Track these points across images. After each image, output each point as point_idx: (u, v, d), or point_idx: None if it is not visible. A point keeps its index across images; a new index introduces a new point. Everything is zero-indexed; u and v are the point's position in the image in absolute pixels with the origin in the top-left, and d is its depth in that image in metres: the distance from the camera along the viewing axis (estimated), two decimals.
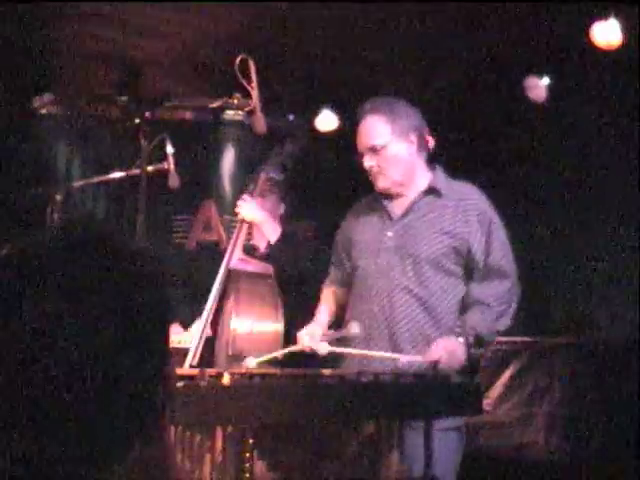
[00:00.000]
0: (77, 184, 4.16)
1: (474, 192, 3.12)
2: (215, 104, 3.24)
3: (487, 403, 4.36)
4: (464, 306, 2.99)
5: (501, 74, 5.45)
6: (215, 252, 3.58)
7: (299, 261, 3.70)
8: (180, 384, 2.28)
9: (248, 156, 5.95)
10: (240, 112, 3.21)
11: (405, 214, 3.08)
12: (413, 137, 3.09)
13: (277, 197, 4.00)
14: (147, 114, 2.98)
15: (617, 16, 4.67)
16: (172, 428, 2.32)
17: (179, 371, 2.59)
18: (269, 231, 3.68)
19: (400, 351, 2.90)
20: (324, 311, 3.23)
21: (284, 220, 3.94)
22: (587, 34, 4.74)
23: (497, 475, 4.34)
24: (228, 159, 6.37)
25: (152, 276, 1.08)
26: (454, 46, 5.18)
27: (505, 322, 3.00)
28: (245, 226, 3.65)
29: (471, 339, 2.87)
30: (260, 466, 2.39)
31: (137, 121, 3.01)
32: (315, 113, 5.97)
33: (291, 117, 5.96)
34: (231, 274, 3.49)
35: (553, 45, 5.08)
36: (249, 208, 3.63)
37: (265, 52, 4.50)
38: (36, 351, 0.98)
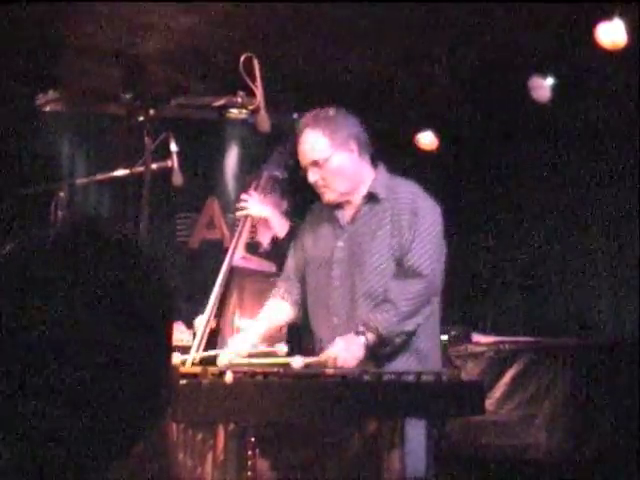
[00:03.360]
0: (81, 181, 4.16)
1: (408, 191, 3.07)
2: (219, 102, 3.24)
3: (489, 403, 4.36)
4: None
5: (505, 74, 5.44)
6: (218, 250, 3.57)
7: None
8: (183, 382, 2.28)
9: (252, 155, 5.96)
10: (244, 110, 3.19)
11: (352, 222, 3.10)
12: (353, 145, 3.08)
13: (279, 195, 4.00)
14: (151, 112, 2.98)
15: (622, 16, 4.66)
16: (174, 426, 2.33)
17: (182, 369, 2.59)
18: (277, 226, 3.66)
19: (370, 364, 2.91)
20: (261, 324, 3.17)
21: (287, 218, 3.93)
22: (592, 34, 4.74)
23: (499, 475, 4.34)
24: (232, 157, 6.37)
25: (155, 274, 1.08)
26: (457, 46, 5.18)
27: (416, 321, 2.92)
28: (248, 224, 3.64)
29: (371, 338, 2.83)
30: (262, 464, 2.39)
31: (141, 119, 3.01)
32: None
33: (295, 115, 5.94)
34: (234, 272, 3.49)
35: (558, 45, 5.07)
36: (256, 204, 3.62)
37: (269, 51, 4.51)
38: (38, 348, 0.98)
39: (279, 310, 3.22)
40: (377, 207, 3.05)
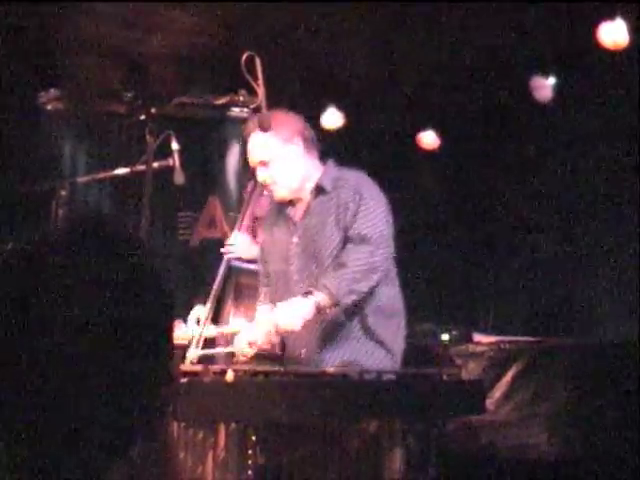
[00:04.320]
0: (82, 180, 4.16)
1: (354, 177, 3.15)
2: (221, 101, 3.25)
3: (490, 403, 4.35)
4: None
5: (507, 74, 5.44)
6: (219, 249, 3.57)
7: None
8: (184, 380, 2.28)
9: None
10: (246, 109, 3.21)
11: (303, 217, 3.18)
12: (298, 141, 3.16)
13: None
14: (153, 110, 2.98)
15: (624, 17, 4.66)
16: (175, 424, 2.33)
17: (183, 368, 2.59)
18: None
19: (327, 348, 2.98)
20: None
21: None
22: (594, 34, 4.74)
23: (499, 475, 4.34)
24: (233, 156, 6.37)
25: (156, 272, 1.08)
26: (459, 46, 5.18)
27: (367, 284, 2.97)
28: (244, 225, 3.66)
29: (320, 297, 2.87)
30: (262, 463, 2.39)
31: (143, 117, 3.01)
32: (320, 110, 5.97)
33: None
34: (231, 271, 3.50)
35: (559, 45, 5.07)
36: (244, 244, 3.60)
37: (271, 49, 4.50)
38: (38, 346, 0.98)
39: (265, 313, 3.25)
40: (325, 199, 3.14)
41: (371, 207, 3.05)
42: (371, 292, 3.03)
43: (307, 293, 2.89)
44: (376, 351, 3.06)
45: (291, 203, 3.23)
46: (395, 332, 3.16)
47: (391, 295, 3.15)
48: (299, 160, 3.16)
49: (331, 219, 3.09)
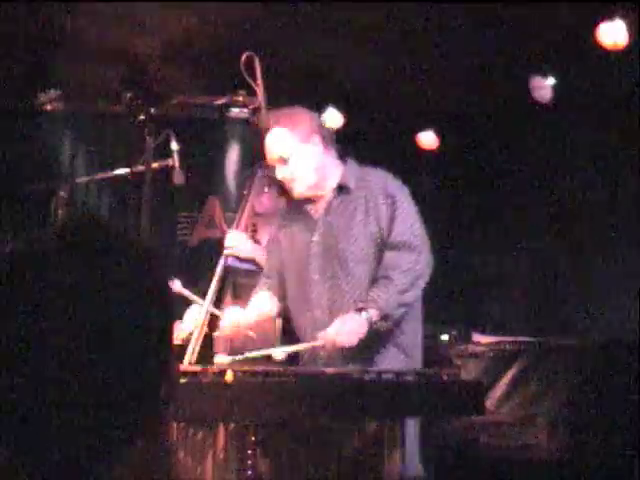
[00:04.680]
0: (81, 180, 4.16)
1: (380, 177, 3.15)
2: (220, 101, 3.26)
3: (490, 403, 4.35)
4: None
5: (506, 74, 5.44)
6: (218, 249, 3.57)
7: None
8: (183, 381, 2.28)
9: (253, 154, 5.95)
10: (245, 109, 3.21)
11: (325, 215, 3.17)
12: (316, 139, 3.17)
13: (276, 192, 4.00)
14: (152, 111, 2.98)
15: (623, 16, 4.66)
16: (175, 424, 2.33)
17: (182, 368, 2.59)
18: (262, 262, 3.60)
19: (348, 350, 2.94)
20: (250, 312, 3.22)
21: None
22: (593, 34, 4.74)
23: (499, 475, 4.34)
24: (233, 156, 6.37)
25: (155, 272, 1.08)
26: (458, 46, 5.17)
27: (414, 294, 2.99)
28: (242, 224, 3.67)
29: (372, 313, 2.87)
30: (262, 463, 2.39)
31: (142, 118, 3.01)
32: (320, 110, 5.97)
33: None
34: (229, 271, 3.50)
35: (559, 45, 5.07)
36: (243, 244, 3.61)
37: (270, 49, 4.50)
38: (36, 347, 0.98)
39: (266, 301, 3.27)
40: (349, 198, 3.13)
41: (406, 210, 3.05)
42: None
43: (360, 309, 2.88)
44: (398, 356, 3.04)
45: (310, 200, 3.22)
46: (414, 337, 3.14)
47: (419, 300, 3.13)
48: (318, 157, 3.16)
49: (358, 219, 3.07)
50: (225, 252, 3.53)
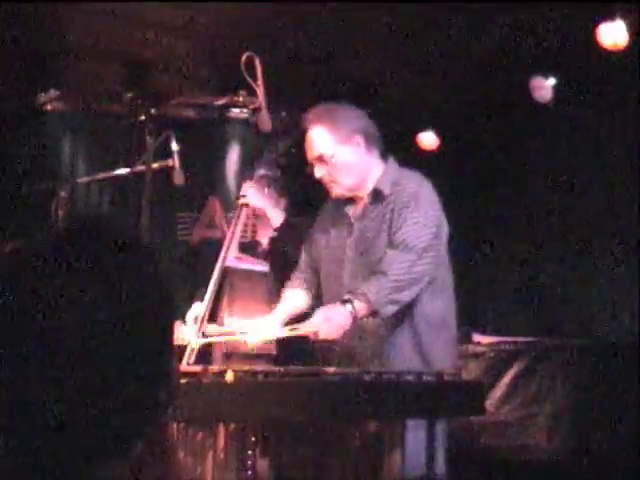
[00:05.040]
0: (82, 180, 4.16)
1: (410, 181, 3.05)
2: (220, 101, 3.25)
3: (490, 403, 4.35)
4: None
5: (507, 74, 5.44)
6: (219, 249, 3.57)
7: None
8: (183, 381, 2.28)
9: (253, 154, 5.95)
10: (245, 110, 3.20)
11: (360, 219, 3.08)
12: (359, 139, 3.06)
13: (276, 194, 4.00)
14: (152, 111, 2.98)
15: (623, 17, 4.66)
16: (175, 425, 2.33)
17: (182, 368, 2.59)
18: (273, 217, 3.61)
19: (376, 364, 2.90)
20: (279, 312, 3.20)
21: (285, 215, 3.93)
22: (593, 35, 4.74)
23: (499, 475, 4.34)
24: (233, 157, 6.37)
25: (156, 273, 1.08)
26: (459, 46, 5.17)
27: (409, 294, 2.87)
28: (240, 225, 3.67)
29: (359, 306, 2.77)
30: (262, 464, 2.39)
31: (142, 118, 3.00)
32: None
33: (283, 113, 5.91)
34: (226, 272, 3.50)
35: (559, 46, 5.07)
36: (255, 194, 3.57)
37: (271, 49, 4.50)
38: (36, 347, 0.98)
39: (295, 298, 3.23)
40: (383, 204, 3.03)
41: (421, 216, 2.94)
42: (420, 304, 2.95)
43: (345, 301, 2.79)
44: (414, 357, 2.96)
45: (350, 201, 3.13)
46: (443, 348, 3.03)
47: (442, 307, 3.04)
48: (359, 159, 3.06)
49: (385, 226, 2.98)
50: (240, 201, 3.49)
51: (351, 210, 3.12)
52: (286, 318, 3.16)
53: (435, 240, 2.96)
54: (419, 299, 2.95)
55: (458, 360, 4.64)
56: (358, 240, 3.06)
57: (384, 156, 3.16)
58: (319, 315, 2.80)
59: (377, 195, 3.06)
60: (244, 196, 3.54)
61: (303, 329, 2.84)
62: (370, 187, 3.08)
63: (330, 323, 2.76)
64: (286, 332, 2.95)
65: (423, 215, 2.95)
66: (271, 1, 4.65)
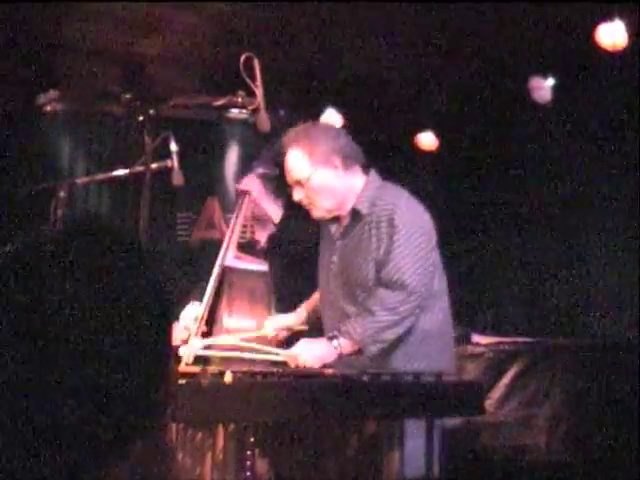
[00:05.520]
0: (81, 181, 4.15)
1: (389, 202, 2.97)
2: (219, 102, 3.24)
3: (489, 404, 4.35)
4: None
5: (506, 75, 5.44)
6: (218, 250, 3.58)
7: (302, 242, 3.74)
8: (182, 382, 2.28)
9: (252, 154, 5.96)
10: (244, 110, 3.19)
11: (342, 237, 3.07)
12: (337, 160, 3.00)
13: (274, 193, 4.00)
14: (151, 112, 2.97)
15: (622, 17, 4.66)
16: (173, 426, 2.33)
17: (181, 369, 2.59)
18: (272, 212, 3.66)
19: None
20: (300, 310, 3.30)
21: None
22: (592, 35, 4.74)
23: (499, 475, 4.34)
24: (232, 157, 6.38)
25: (154, 273, 1.08)
26: (458, 47, 5.17)
27: (396, 331, 2.85)
28: (239, 225, 3.68)
29: (343, 343, 2.80)
30: (261, 464, 2.39)
31: (141, 118, 3.00)
32: (320, 111, 5.97)
33: (281, 112, 5.89)
34: (225, 272, 3.51)
35: (558, 46, 5.07)
36: (257, 186, 3.62)
37: (270, 49, 4.51)
38: (35, 347, 0.98)
39: (315, 303, 3.29)
40: (361, 222, 3.00)
41: (407, 244, 2.87)
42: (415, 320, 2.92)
43: (332, 337, 2.82)
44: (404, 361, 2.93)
45: (334, 219, 3.11)
46: (437, 358, 2.98)
47: (437, 320, 3.00)
48: (338, 180, 3.00)
49: (365, 245, 2.95)
50: (240, 188, 3.54)
51: (334, 228, 3.11)
52: (306, 317, 3.28)
53: (422, 273, 2.90)
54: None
55: (457, 360, 4.66)
56: (340, 259, 3.05)
57: (366, 169, 3.11)
58: (301, 343, 2.84)
59: (356, 214, 3.02)
60: (246, 186, 3.58)
61: (283, 354, 2.87)
62: (350, 206, 3.04)
63: (311, 353, 2.79)
64: (266, 354, 2.96)
65: (408, 244, 2.88)
66: (271, 1, 4.65)
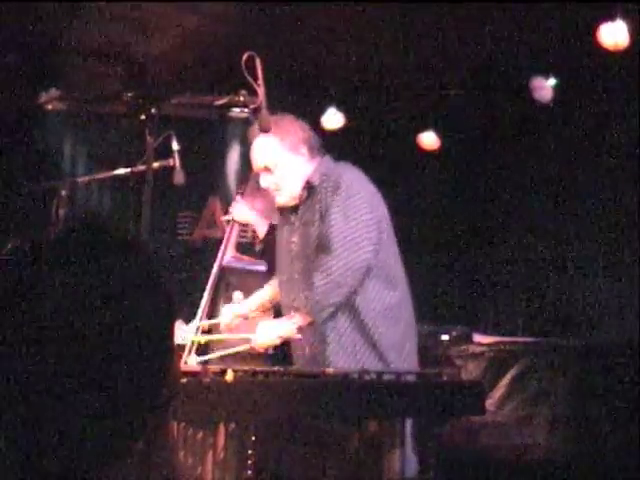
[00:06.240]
0: (82, 180, 4.16)
1: (335, 171, 3.08)
2: (221, 101, 3.24)
3: (490, 404, 4.35)
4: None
5: (507, 75, 5.44)
6: (219, 249, 3.59)
7: None
8: (184, 381, 2.28)
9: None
10: (246, 109, 3.20)
11: (301, 216, 3.14)
12: (304, 149, 3.13)
13: (265, 210, 4.01)
14: (153, 111, 2.97)
15: (624, 17, 4.66)
16: (175, 424, 2.33)
17: (183, 368, 2.60)
18: (259, 228, 3.74)
19: (331, 351, 3.01)
20: (252, 298, 3.41)
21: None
22: (594, 35, 4.74)
23: (499, 475, 4.34)
24: (233, 156, 6.38)
25: (156, 273, 1.08)
26: (460, 46, 5.18)
27: (340, 293, 2.92)
28: (237, 225, 3.70)
29: (301, 318, 2.93)
30: (262, 463, 2.39)
31: (143, 117, 3.00)
32: (321, 111, 5.97)
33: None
34: (223, 272, 3.52)
35: (560, 46, 5.07)
36: (240, 209, 3.71)
37: (271, 49, 4.50)
38: (36, 346, 0.98)
39: (266, 289, 3.40)
40: (314, 197, 3.08)
41: (340, 206, 2.96)
42: (362, 290, 2.99)
43: (290, 317, 2.97)
44: (375, 363, 2.97)
45: (296, 208, 3.19)
46: (400, 341, 3.05)
47: (393, 300, 3.06)
48: (303, 168, 3.12)
49: (316, 218, 3.05)
50: (223, 218, 3.66)
51: (293, 217, 3.18)
52: (257, 304, 3.38)
53: (360, 231, 2.96)
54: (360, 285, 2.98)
55: (458, 360, 4.66)
56: (299, 237, 3.13)
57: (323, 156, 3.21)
58: (260, 326, 2.99)
59: (310, 189, 3.10)
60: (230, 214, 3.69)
61: (239, 335, 3.08)
62: None
63: (266, 334, 2.95)
64: (236, 349, 3.10)
65: (342, 203, 2.96)
66: (271, 1, 4.65)
